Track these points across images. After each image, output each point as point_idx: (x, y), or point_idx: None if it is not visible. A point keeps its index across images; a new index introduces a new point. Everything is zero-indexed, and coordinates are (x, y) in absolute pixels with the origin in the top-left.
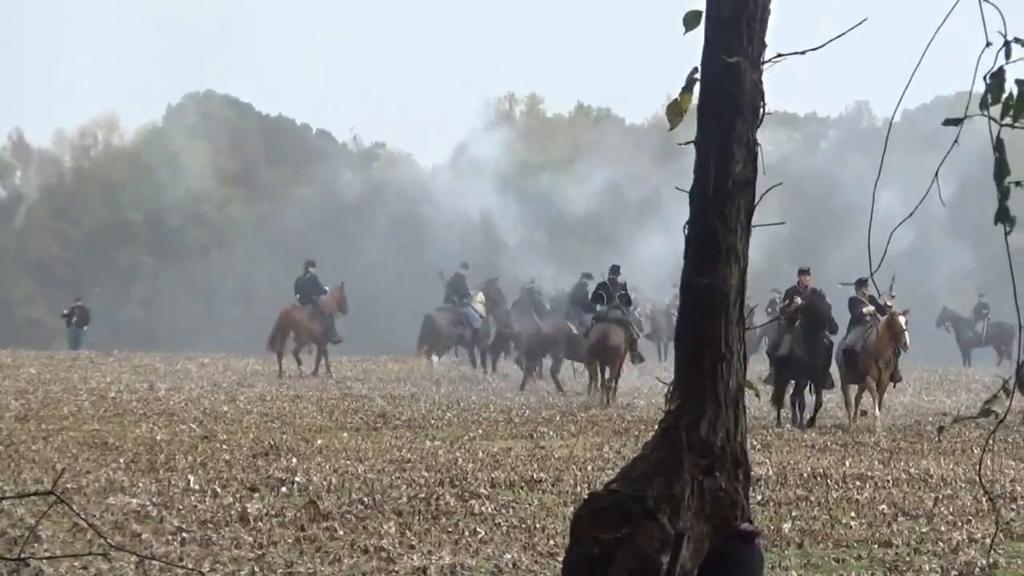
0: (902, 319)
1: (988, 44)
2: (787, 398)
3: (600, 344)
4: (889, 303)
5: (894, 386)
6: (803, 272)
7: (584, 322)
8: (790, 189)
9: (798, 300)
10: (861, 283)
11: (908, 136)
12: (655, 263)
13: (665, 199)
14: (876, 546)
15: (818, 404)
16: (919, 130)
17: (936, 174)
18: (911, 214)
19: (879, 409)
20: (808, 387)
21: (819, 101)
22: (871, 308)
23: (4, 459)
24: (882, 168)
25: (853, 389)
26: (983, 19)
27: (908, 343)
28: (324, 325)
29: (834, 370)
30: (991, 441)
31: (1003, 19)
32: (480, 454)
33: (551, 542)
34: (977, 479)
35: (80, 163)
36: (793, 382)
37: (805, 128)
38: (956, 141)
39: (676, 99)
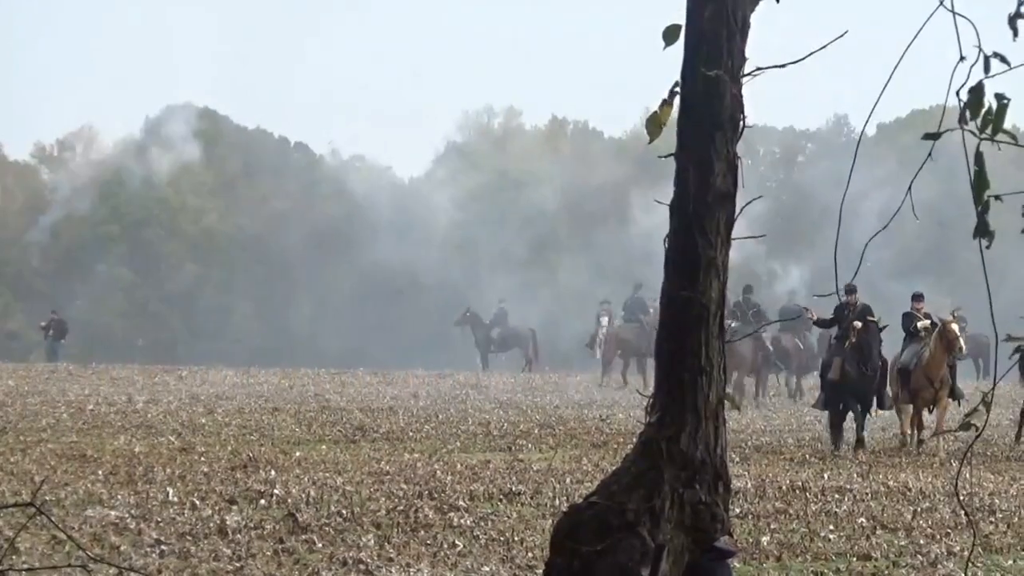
0: (955, 326)
1: (962, 58)
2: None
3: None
4: (950, 318)
5: (959, 404)
6: (850, 291)
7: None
8: (769, 202)
9: (857, 324)
10: (916, 297)
11: (887, 150)
12: (634, 276)
13: (644, 212)
14: (855, 559)
15: (860, 428)
16: (896, 144)
17: (909, 188)
18: (884, 227)
19: (937, 430)
20: (857, 409)
21: (798, 115)
22: (926, 323)
23: None
24: (854, 182)
25: (908, 409)
26: (957, 34)
27: (964, 347)
28: (650, 342)
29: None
30: (969, 454)
31: (977, 34)
32: (459, 466)
33: (530, 555)
34: (955, 493)
35: (59, 176)
36: (843, 405)
37: (784, 141)
38: (930, 155)
39: (656, 112)
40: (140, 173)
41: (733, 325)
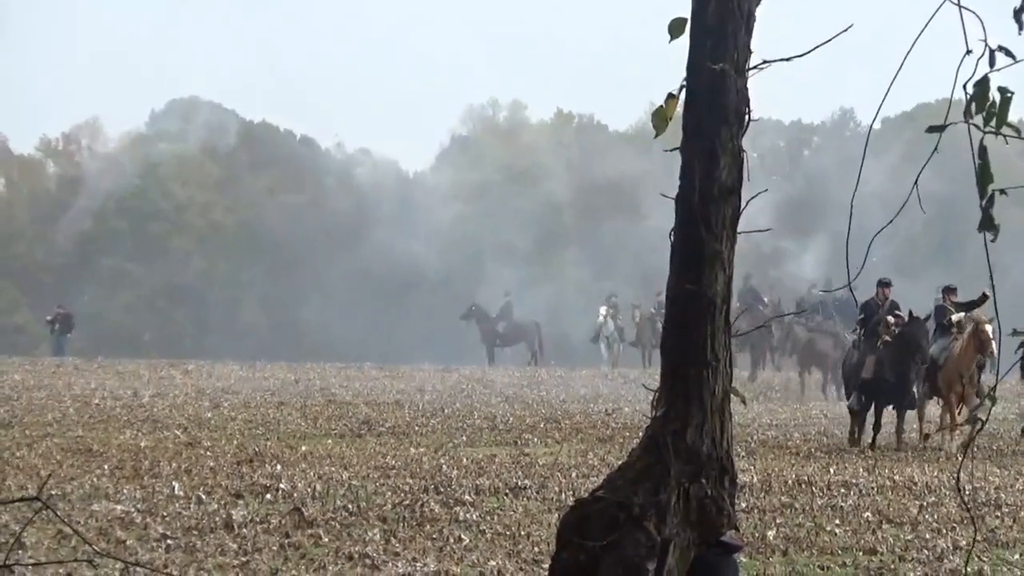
0: (988, 327)
1: (968, 52)
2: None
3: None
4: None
5: (980, 403)
6: (883, 284)
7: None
8: (775, 196)
9: (890, 319)
10: (948, 290)
11: (892, 143)
12: (640, 269)
13: (650, 206)
14: (861, 553)
15: (900, 428)
16: (901, 137)
17: (916, 182)
18: (890, 222)
19: (954, 427)
20: (888, 408)
21: (804, 108)
22: (959, 316)
23: None
24: (861, 176)
25: (930, 404)
26: (963, 27)
27: (995, 350)
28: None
29: None
30: (972, 448)
31: (983, 27)
32: (464, 461)
33: (536, 549)
34: (957, 486)
35: (64, 169)
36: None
37: (790, 135)
38: (936, 148)
39: (662, 106)
40: (145, 166)
41: (818, 318)
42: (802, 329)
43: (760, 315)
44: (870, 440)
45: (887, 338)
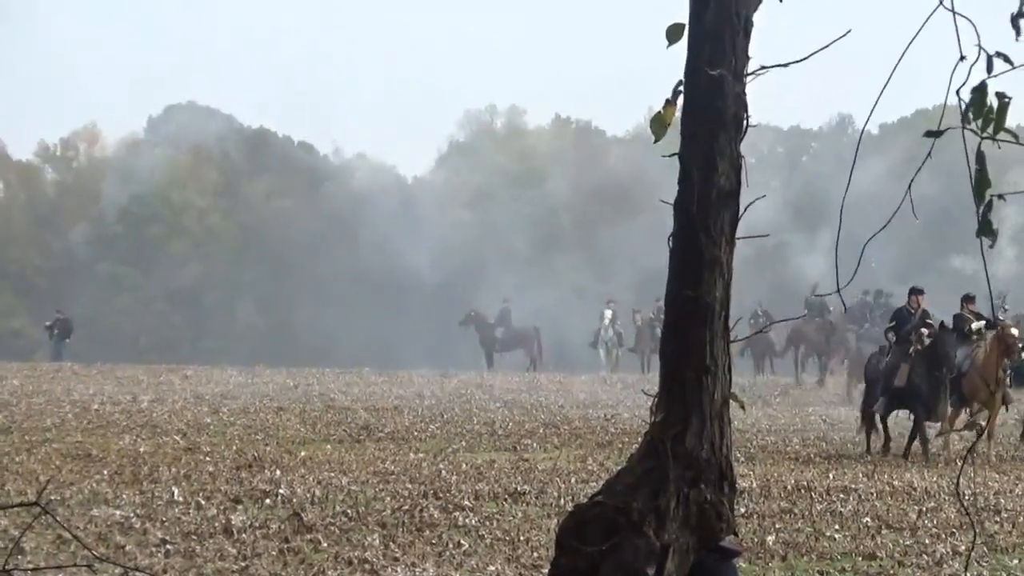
0: (1015, 330)
1: (962, 58)
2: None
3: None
4: (1001, 318)
5: (1006, 409)
6: (916, 292)
7: None
8: (773, 201)
9: (924, 332)
10: (967, 299)
11: (891, 149)
12: (638, 275)
13: (648, 211)
14: (860, 559)
15: (915, 433)
16: (900, 143)
17: (909, 187)
18: (883, 227)
19: (989, 436)
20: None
21: (803, 114)
22: (980, 324)
23: None
24: (855, 180)
25: (948, 412)
26: (957, 33)
27: (1021, 353)
28: (830, 338)
29: None
30: (972, 454)
31: (977, 33)
32: (464, 466)
33: (535, 554)
34: (956, 492)
35: (62, 175)
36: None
37: (788, 140)
38: (929, 154)
39: (660, 111)
40: (143, 172)
41: (865, 326)
42: (852, 335)
43: (824, 324)
44: (925, 448)
45: (918, 347)
